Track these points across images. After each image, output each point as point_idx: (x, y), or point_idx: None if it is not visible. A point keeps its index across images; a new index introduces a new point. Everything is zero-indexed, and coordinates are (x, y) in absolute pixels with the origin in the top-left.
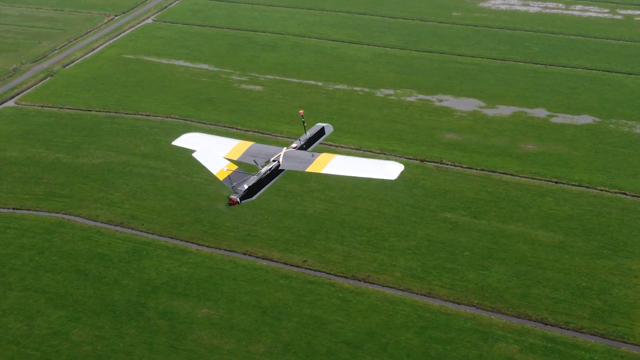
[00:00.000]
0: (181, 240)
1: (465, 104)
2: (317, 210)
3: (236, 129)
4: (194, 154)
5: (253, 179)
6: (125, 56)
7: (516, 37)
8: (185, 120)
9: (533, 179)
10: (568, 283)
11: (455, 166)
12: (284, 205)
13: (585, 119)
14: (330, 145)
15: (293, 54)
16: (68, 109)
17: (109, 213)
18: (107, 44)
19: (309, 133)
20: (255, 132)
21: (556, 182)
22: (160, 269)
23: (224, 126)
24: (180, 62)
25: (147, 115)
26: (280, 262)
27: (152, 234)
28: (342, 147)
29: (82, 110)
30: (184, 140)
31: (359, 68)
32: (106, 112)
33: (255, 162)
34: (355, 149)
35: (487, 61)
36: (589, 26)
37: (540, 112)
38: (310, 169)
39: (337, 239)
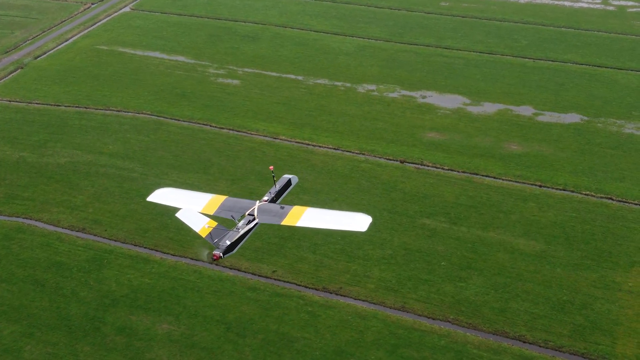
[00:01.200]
0: (145, 247)
1: (449, 101)
2: None
3: (210, 126)
4: (177, 214)
5: (234, 235)
6: (99, 47)
7: (504, 29)
8: (157, 116)
9: (516, 182)
10: (548, 297)
11: (436, 168)
12: None
13: (573, 118)
14: (308, 144)
15: (273, 46)
16: (36, 103)
17: (72, 217)
18: (81, 34)
19: (278, 185)
20: (229, 129)
21: (540, 186)
22: (120, 279)
23: (198, 123)
24: (156, 54)
25: (117, 111)
26: (249, 273)
27: (115, 240)
28: (320, 146)
29: (51, 105)
30: (159, 196)
31: (342, 61)
32: (75, 107)
33: (233, 217)
34: (333, 148)
35: (474, 55)
36: (580, 17)
37: (526, 110)
38: (285, 222)
39: (310, 247)
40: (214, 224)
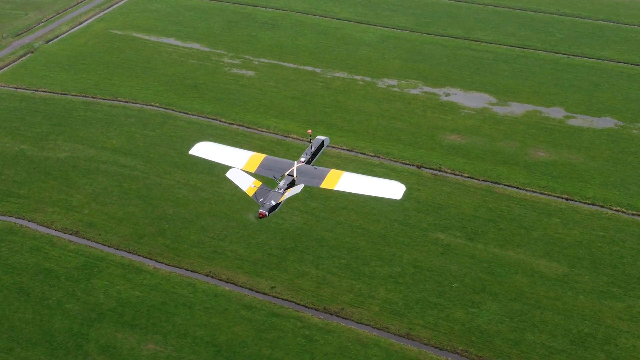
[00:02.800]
0: (139, 255)
1: (474, 100)
2: (295, 224)
3: (220, 121)
4: (227, 174)
5: (277, 196)
6: (113, 32)
7: (539, 21)
8: (165, 109)
9: (541, 194)
10: (568, 328)
11: (455, 175)
12: None
13: (607, 122)
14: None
15: (293, 34)
16: (43, 91)
17: (66, 219)
18: (96, 17)
19: (313, 147)
20: (239, 125)
21: (566, 199)
22: (109, 291)
23: (207, 117)
24: (171, 40)
25: (125, 102)
26: (246, 288)
27: (109, 246)
28: (333, 147)
29: (58, 94)
30: (200, 150)
31: (363, 53)
32: (83, 96)
33: (274, 177)
34: (347, 150)
35: (504, 49)
36: (621, 10)
37: (556, 112)
38: (324, 185)
39: (313, 261)
40: (259, 183)
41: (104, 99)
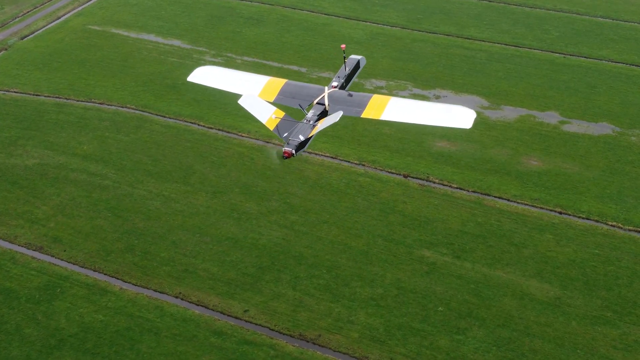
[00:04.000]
0: (105, 274)
1: (465, 103)
2: (273, 239)
3: (198, 125)
4: (239, 101)
5: (306, 129)
6: (91, 27)
7: (534, 18)
8: (142, 111)
9: (533, 207)
10: (560, 358)
11: (443, 185)
12: (236, 230)
13: (603, 128)
14: (303, 151)
15: (278, 31)
16: (14, 92)
17: (30, 233)
18: (75, 11)
19: (348, 68)
20: (218, 130)
21: (560, 213)
22: (72, 314)
23: (185, 121)
24: (151, 37)
25: (100, 104)
26: (217, 311)
27: (74, 264)
28: (316, 154)
29: (30, 94)
30: (200, 76)
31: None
32: (55, 97)
33: (301, 107)
34: (331, 157)
35: (498, 47)
36: (620, 7)
37: (551, 117)
38: (366, 114)
39: (290, 281)
40: (282, 114)
41: (77, 101)
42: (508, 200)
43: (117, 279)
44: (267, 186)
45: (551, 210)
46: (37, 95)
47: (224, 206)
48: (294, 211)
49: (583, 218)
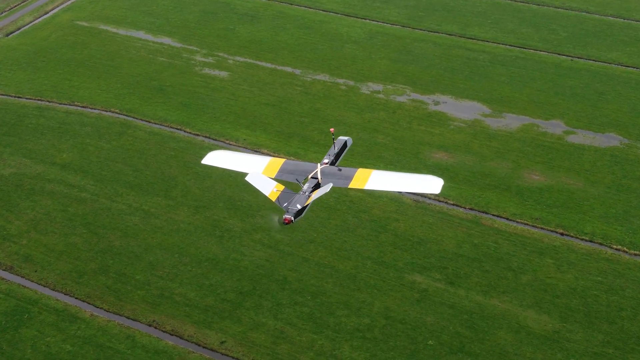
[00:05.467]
0: (76, 298)
1: (465, 110)
2: (256, 261)
3: (184, 131)
4: (246, 178)
5: (303, 199)
6: (78, 23)
7: (542, 16)
8: (126, 116)
9: (533, 227)
10: None
11: (439, 202)
12: (217, 250)
13: (611, 140)
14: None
15: (273, 28)
16: None
17: (1, 251)
18: (64, 5)
19: (336, 147)
20: (205, 137)
21: (561, 234)
22: (38, 344)
23: (170, 127)
24: (140, 34)
25: (83, 107)
26: (192, 342)
27: (44, 286)
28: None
29: (11, 97)
30: (213, 159)
31: (348, 51)
32: (38, 100)
33: (298, 181)
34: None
35: (502, 48)
36: (632, 4)
37: (555, 127)
38: (353, 185)
39: (271, 309)
40: (282, 187)
41: (60, 104)
42: (507, 219)
43: (89, 303)
44: (253, 200)
45: (552, 231)
46: (18, 97)
47: (207, 222)
48: (279, 230)
49: (586, 240)
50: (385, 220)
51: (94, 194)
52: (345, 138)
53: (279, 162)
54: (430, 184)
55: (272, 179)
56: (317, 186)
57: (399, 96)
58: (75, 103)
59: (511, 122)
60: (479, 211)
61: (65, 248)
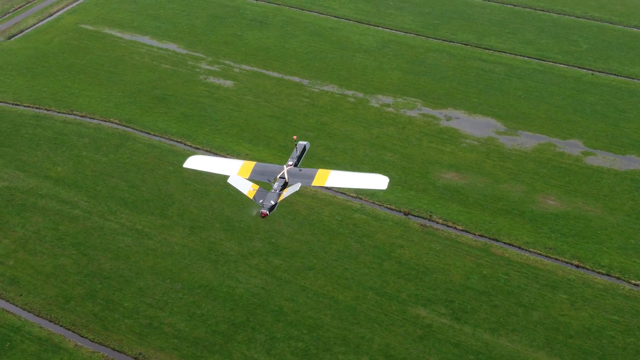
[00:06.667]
0: (61, 326)
1: (479, 126)
2: (251, 289)
3: (185, 145)
4: (228, 180)
5: (275, 196)
6: (83, 27)
7: (562, 26)
8: (125, 127)
9: (547, 257)
10: None
11: (447, 227)
12: (211, 275)
13: (631, 162)
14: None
15: (282, 35)
16: None
17: None
18: (69, 7)
19: (298, 151)
20: (206, 151)
21: (577, 267)
22: None
23: (170, 139)
24: (145, 40)
25: (81, 117)
26: None
27: (29, 311)
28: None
29: (9, 104)
30: (193, 163)
31: (358, 61)
32: (36, 108)
33: (269, 180)
34: (325, 187)
35: (519, 60)
36: None
37: (573, 147)
38: (315, 183)
39: (264, 343)
40: (257, 187)
41: (58, 112)
42: (519, 248)
43: (74, 332)
44: (251, 221)
45: (567, 263)
46: (16, 104)
47: (202, 245)
48: (278, 253)
49: (603, 274)
50: (390, 247)
51: (86, 211)
52: (305, 143)
53: (251, 164)
54: (378, 181)
55: (247, 179)
56: (285, 185)
57: (409, 110)
58: (74, 112)
59: (527, 140)
60: (489, 238)
61: (53, 270)
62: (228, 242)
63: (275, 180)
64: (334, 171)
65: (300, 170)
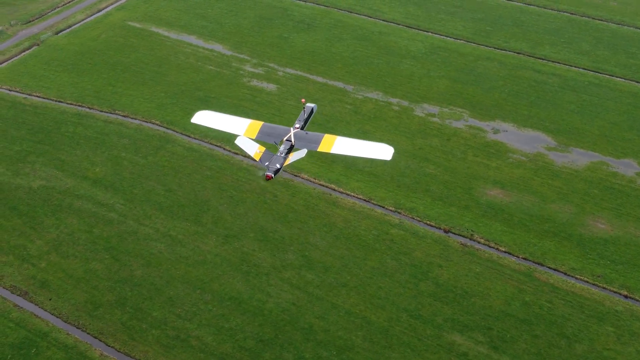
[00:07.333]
0: (88, 333)
1: (528, 141)
2: (281, 304)
3: (223, 149)
4: (235, 141)
5: (281, 160)
6: (131, 24)
7: (621, 37)
8: (166, 128)
9: (594, 285)
10: None
11: (489, 247)
12: (242, 287)
13: None
14: (334, 190)
15: (329, 39)
16: (36, 96)
17: (18, 274)
18: (117, 4)
19: (305, 114)
20: (244, 157)
21: (625, 297)
22: None
23: (210, 143)
24: (192, 39)
25: (123, 117)
26: None
27: (57, 316)
28: (347, 194)
29: (52, 100)
30: (201, 118)
31: (405, 68)
32: (78, 106)
33: (275, 143)
34: (364, 200)
35: (574, 72)
36: None
37: (627, 167)
38: (321, 148)
39: None
40: (263, 149)
41: (100, 111)
42: (565, 274)
43: (101, 340)
44: (286, 232)
45: (615, 293)
46: (59, 101)
47: (235, 255)
48: (311, 267)
49: None
50: (427, 266)
51: (121, 215)
52: (312, 105)
53: (258, 124)
54: (383, 151)
55: (254, 140)
56: (291, 148)
57: (455, 121)
58: (116, 111)
59: (578, 158)
60: (533, 262)
61: (84, 275)
62: (261, 252)
63: (281, 142)
64: (340, 137)
65: (307, 133)
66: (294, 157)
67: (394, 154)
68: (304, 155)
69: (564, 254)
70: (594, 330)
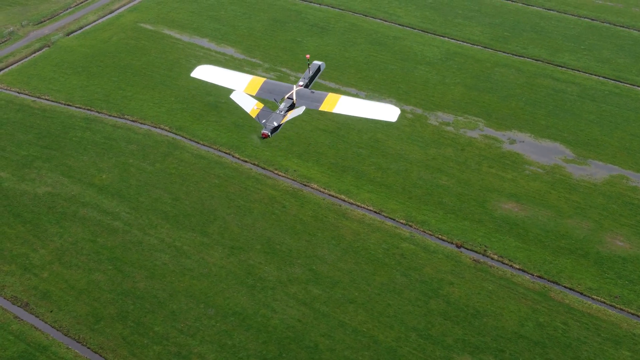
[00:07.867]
0: (88, 347)
1: (545, 152)
2: (287, 320)
3: (232, 156)
4: (230, 96)
5: (279, 117)
6: (142, 26)
7: None
8: (175, 134)
9: (611, 306)
10: None
11: (503, 264)
12: (246, 302)
13: None
14: (343, 201)
15: (343, 43)
16: (45, 99)
17: (19, 284)
18: (130, 5)
19: (311, 71)
20: (253, 164)
21: None
22: None
23: (219, 150)
24: (204, 42)
25: (132, 121)
26: None
27: (58, 329)
28: (357, 206)
29: (61, 104)
30: (201, 73)
31: (420, 74)
32: (87, 110)
33: (275, 100)
34: (374, 212)
35: (594, 80)
36: None
37: None
38: (323, 108)
39: None
40: (261, 105)
41: (109, 115)
42: (581, 294)
43: (100, 355)
44: (293, 244)
45: (633, 315)
46: (67, 105)
47: (240, 267)
48: (318, 282)
49: None
50: (438, 283)
51: (127, 224)
52: (319, 63)
53: (260, 80)
54: (388, 112)
55: (253, 96)
56: (292, 106)
57: (470, 130)
58: (125, 116)
59: (597, 171)
60: (548, 280)
61: (86, 286)
62: (267, 266)
63: (282, 100)
64: (345, 96)
65: (312, 92)
66: (291, 114)
67: (399, 115)
68: (301, 112)
69: (580, 273)
70: (610, 355)
